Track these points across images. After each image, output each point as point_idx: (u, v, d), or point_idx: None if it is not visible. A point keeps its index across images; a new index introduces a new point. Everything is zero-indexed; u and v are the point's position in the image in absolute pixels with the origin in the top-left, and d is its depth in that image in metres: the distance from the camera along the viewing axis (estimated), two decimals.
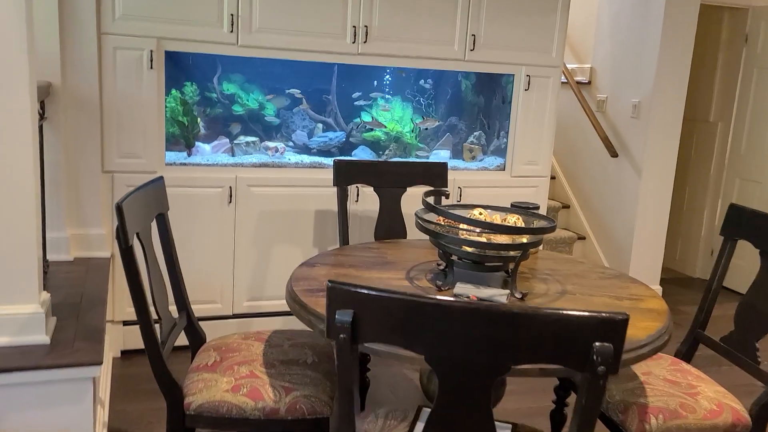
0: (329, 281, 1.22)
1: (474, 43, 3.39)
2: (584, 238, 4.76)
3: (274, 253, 3.24)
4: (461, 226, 1.96)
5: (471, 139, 3.76)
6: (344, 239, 2.79)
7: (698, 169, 5.14)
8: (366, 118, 3.57)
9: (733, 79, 4.86)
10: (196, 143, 3.22)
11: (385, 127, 3.59)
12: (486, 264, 1.98)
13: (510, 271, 2.03)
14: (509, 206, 2.49)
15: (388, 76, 3.61)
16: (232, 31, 2.98)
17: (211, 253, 3.13)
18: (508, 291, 1.92)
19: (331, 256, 2.31)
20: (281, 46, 3.07)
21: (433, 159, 3.69)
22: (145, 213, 1.99)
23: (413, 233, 2.96)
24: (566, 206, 4.94)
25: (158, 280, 1.98)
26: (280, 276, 3.27)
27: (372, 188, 2.85)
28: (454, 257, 2.01)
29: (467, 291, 1.93)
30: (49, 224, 2.69)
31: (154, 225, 2.08)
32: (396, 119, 3.62)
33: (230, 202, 3.10)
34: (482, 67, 3.44)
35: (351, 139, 3.54)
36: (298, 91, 3.44)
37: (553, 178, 5.10)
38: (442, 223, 2.00)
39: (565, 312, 1.16)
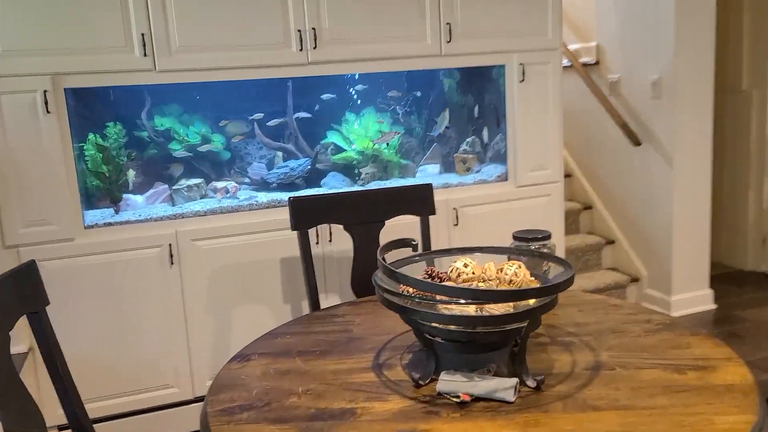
0: None
1: (450, 34, 2.78)
2: (613, 242, 4.10)
3: (237, 317, 2.66)
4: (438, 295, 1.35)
5: (464, 147, 3.15)
6: (313, 301, 2.19)
7: (736, 146, 4.45)
8: (334, 137, 2.98)
9: (764, 40, 4.18)
10: (125, 196, 2.65)
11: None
12: (480, 343, 1.37)
13: (517, 342, 1.42)
14: (512, 239, 1.88)
15: (354, 85, 3.02)
16: (146, 55, 2.41)
17: (156, 329, 2.55)
18: (515, 381, 1.31)
19: (277, 337, 1.71)
20: (210, 66, 2.49)
21: (420, 176, 3.08)
22: None
23: None
24: (588, 207, 4.29)
25: (23, 412, 1.40)
26: (247, 344, 2.68)
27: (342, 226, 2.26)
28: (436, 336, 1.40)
29: (456, 386, 1.32)
30: None
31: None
32: (370, 135, 3.02)
33: (172, 263, 2.53)
34: (464, 61, 2.83)
35: (318, 166, 2.95)
36: (261, 115, 2.87)
37: (568, 176, 4.46)
38: (409, 293, 1.39)
39: None
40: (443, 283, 1.37)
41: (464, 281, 1.47)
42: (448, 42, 2.78)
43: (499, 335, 1.35)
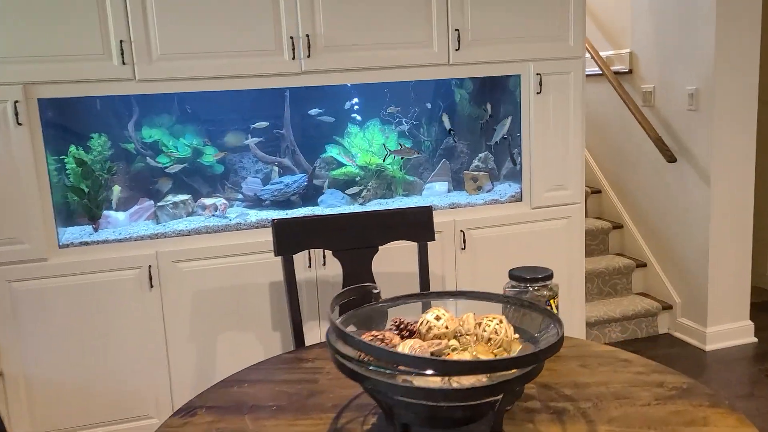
0: None
1: (459, 41, 2.54)
2: (645, 265, 3.79)
3: (222, 344, 2.47)
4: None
5: (476, 163, 2.91)
6: (297, 334, 1.98)
7: None
8: (333, 151, 2.78)
9: None
10: (107, 212, 2.49)
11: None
12: (447, 418, 1.14)
13: (495, 412, 1.18)
14: (508, 278, 1.65)
15: (356, 96, 2.81)
16: (125, 63, 2.25)
17: (135, 355, 2.39)
18: None
19: (234, 385, 1.51)
20: (194, 75, 2.31)
21: (427, 194, 2.85)
22: None
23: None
24: (618, 226, 3.98)
25: None
26: (231, 373, 2.50)
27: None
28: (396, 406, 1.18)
29: None
30: None
31: None
32: (375, 150, 2.81)
33: (151, 285, 2.36)
34: (474, 71, 2.59)
35: (315, 182, 2.75)
36: (265, 124, 2.69)
37: (598, 191, 4.16)
38: (364, 359, 1.16)
39: None
40: (400, 346, 1.15)
41: (435, 337, 1.24)
42: (457, 50, 2.54)
43: (468, 410, 1.12)
